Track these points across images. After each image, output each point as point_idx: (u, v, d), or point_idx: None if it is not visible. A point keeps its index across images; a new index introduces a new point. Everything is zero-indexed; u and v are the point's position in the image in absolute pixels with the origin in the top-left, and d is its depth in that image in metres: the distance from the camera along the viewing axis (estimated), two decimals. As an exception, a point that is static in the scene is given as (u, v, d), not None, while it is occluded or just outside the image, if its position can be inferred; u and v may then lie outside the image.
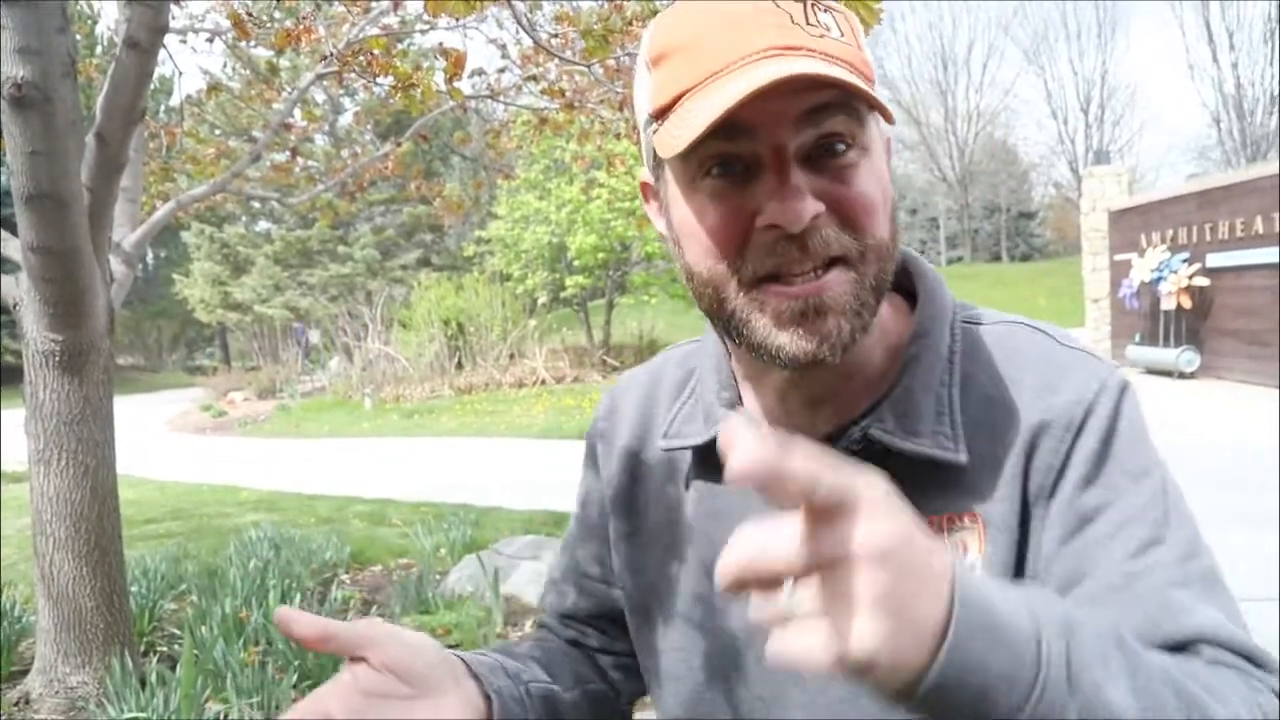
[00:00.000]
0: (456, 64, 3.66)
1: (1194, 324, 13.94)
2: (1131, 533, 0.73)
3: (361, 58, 4.12)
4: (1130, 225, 15.76)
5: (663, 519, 0.92)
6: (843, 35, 0.73)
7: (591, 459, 1.02)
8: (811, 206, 0.70)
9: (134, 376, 31.07)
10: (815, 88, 0.69)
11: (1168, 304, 13.96)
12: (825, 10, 0.73)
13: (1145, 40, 62.71)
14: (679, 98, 0.72)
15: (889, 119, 0.75)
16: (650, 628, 0.93)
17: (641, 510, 0.94)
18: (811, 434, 0.81)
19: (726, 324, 0.77)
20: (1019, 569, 0.76)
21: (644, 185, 0.87)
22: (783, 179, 0.71)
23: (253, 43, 6.55)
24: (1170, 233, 14.41)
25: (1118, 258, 16.04)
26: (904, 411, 0.78)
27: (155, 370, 34.35)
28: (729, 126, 0.68)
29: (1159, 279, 14.18)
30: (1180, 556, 0.72)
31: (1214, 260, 13.43)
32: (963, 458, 0.77)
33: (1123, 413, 0.78)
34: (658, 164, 0.80)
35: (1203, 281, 13.56)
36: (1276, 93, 32.59)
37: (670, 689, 0.92)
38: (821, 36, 0.71)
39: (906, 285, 0.87)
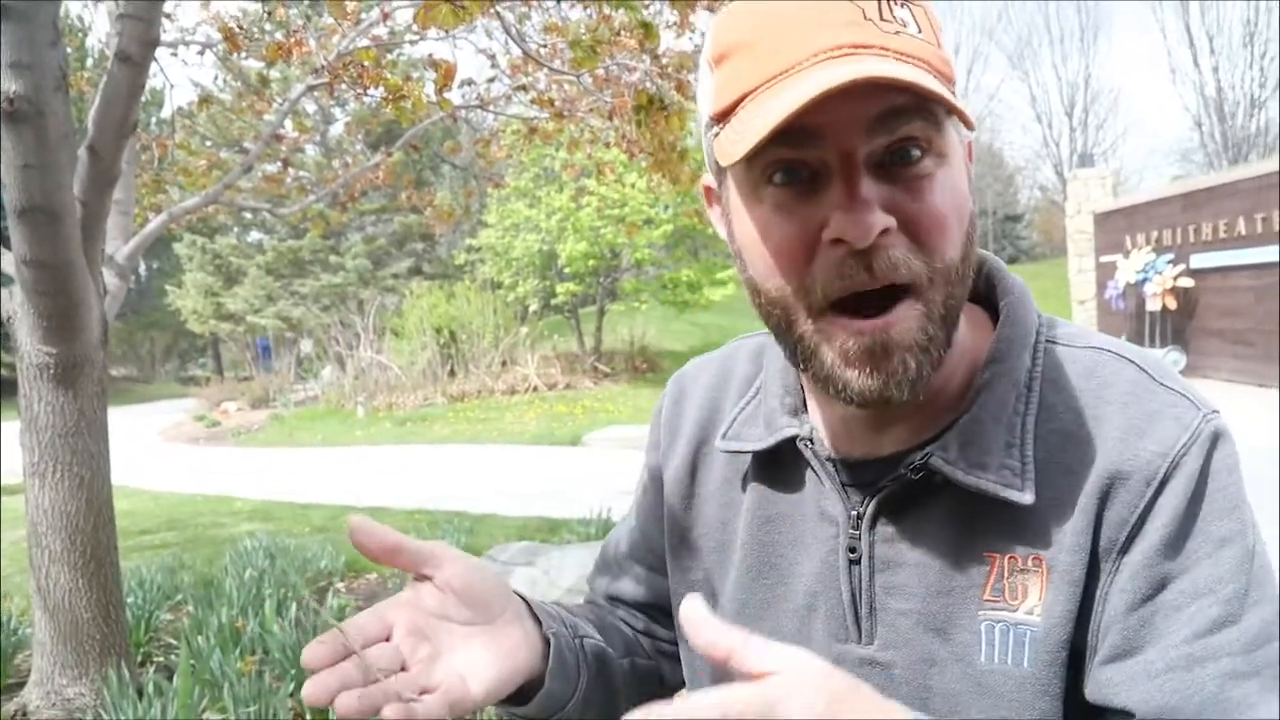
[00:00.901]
0: (447, 75, 3.69)
1: (1179, 324, 14.04)
2: (1202, 608, 0.67)
3: (352, 70, 4.15)
4: (1115, 227, 15.87)
5: (716, 518, 0.90)
6: (920, 32, 0.66)
7: (655, 445, 0.99)
8: (881, 220, 0.65)
9: (127, 387, 30.97)
10: (888, 90, 0.63)
11: (1153, 305, 14.06)
12: (903, 4, 0.67)
13: (1127, 44, 63.13)
14: (740, 100, 0.68)
15: (969, 125, 0.68)
16: None
17: (697, 507, 0.92)
18: (874, 454, 0.79)
19: (794, 349, 0.74)
20: (1079, 622, 0.71)
21: (707, 189, 0.83)
22: (851, 188, 0.65)
23: (243, 55, 6.59)
24: (1155, 234, 14.52)
25: (1103, 259, 16.14)
26: (970, 441, 0.73)
27: (148, 381, 34.27)
28: (795, 131, 0.63)
29: (1144, 280, 14.29)
30: (1251, 641, 0.67)
31: (1198, 261, 13.54)
32: (1028, 498, 0.71)
33: (1213, 470, 0.70)
34: (720, 169, 0.75)
35: (1187, 282, 13.67)
36: (1256, 95, 32.84)
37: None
38: (897, 34, 0.65)
39: (990, 297, 0.81)
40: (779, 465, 0.85)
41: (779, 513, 0.85)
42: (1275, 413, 10.38)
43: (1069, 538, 0.71)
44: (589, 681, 0.87)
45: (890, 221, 0.66)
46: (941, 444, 0.74)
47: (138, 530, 7.61)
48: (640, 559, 1.01)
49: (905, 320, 0.68)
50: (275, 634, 3.89)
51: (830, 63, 0.63)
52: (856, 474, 0.80)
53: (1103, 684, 0.69)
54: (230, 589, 4.70)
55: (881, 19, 0.65)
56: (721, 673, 0.77)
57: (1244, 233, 12.53)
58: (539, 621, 0.82)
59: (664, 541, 0.95)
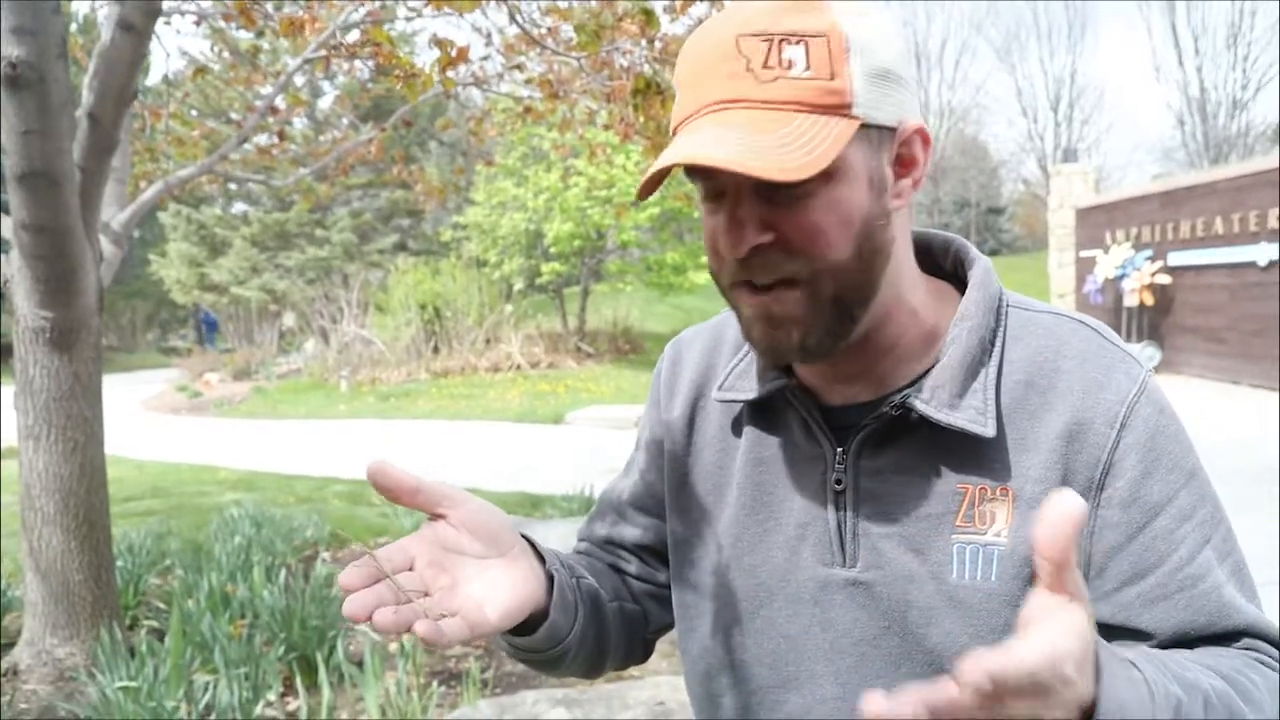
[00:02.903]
0: (460, 55, 3.73)
1: (1155, 320, 14.23)
2: (1189, 532, 0.82)
3: (368, 48, 4.18)
4: (1096, 222, 16.02)
5: (713, 463, 1.00)
6: (809, 68, 0.76)
7: (654, 402, 1.09)
8: (751, 237, 0.79)
9: (108, 356, 30.60)
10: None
11: (1130, 300, 14.23)
12: (798, 41, 0.76)
13: (1114, 42, 63.30)
14: (673, 131, 0.83)
15: (794, 177, 0.74)
16: (690, 564, 1.01)
17: (695, 453, 1.02)
18: (854, 398, 0.90)
19: (731, 311, 0.90)
20: None
21: None
22: (730, 212, 0.80)
23: (257, 29, 6.59)
24: (1134, 231, 14.68)
25: (1083, 254, 16.30)
26: (941, 385, 0.84)
27: (130, 351, 34.03)
28: (698, 166, 0.78)
29: (1123, 275, 14.46)
30: (1224, 554, 0.83)
31: (1175, 259, 13.71)
32: (990, 432, 0.82)
33: (1163, 413, 0.85)
34: None
35: (1164, 279, 13.84)
36: (1239, 97, 33.09)
37: (701, 624, 0.99)
38: (775, 79, 0.76)
39: (957, 273, 0.94)
40: (770, 412, 0.96)
41: (771, 454, 0.95)
42: (1247, 409, 10.56)
43: (1034, 470, 0.83)
44: (584, 618, 0.96)
45: (765, 237, 0.79)
46: (917, 388, 0.86)
47: (123, 497, 7.63)
48: (641, 505, 1.09)
49: (785, 301, 0.81)
50: (265, 599, 3.95)
51: (709, 116, 0.78)
52: (839, 418, 0.91)
53: (1122, 606, 0.82)
54: (219, 554, 4.76)
55: (765, 66, 0.76)
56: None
57: (1221, 232, 12.71)
58: (542, 560, 0.90)
59: (664, 488, 1.05)
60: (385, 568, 0.76)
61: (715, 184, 0.81)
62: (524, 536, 0.89)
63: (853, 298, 0.83)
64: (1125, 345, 0.88)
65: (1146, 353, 13.93)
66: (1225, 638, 0.81)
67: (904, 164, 0.84)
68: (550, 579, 0.90)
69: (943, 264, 0.95)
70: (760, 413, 0.97)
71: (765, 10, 0.77)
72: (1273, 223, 11.71)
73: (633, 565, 1.10)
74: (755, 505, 0.95)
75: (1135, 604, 0.81)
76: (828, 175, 0.77)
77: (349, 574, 0.74)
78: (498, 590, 0.81)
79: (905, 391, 0.86)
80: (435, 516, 0.82)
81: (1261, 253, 11.93)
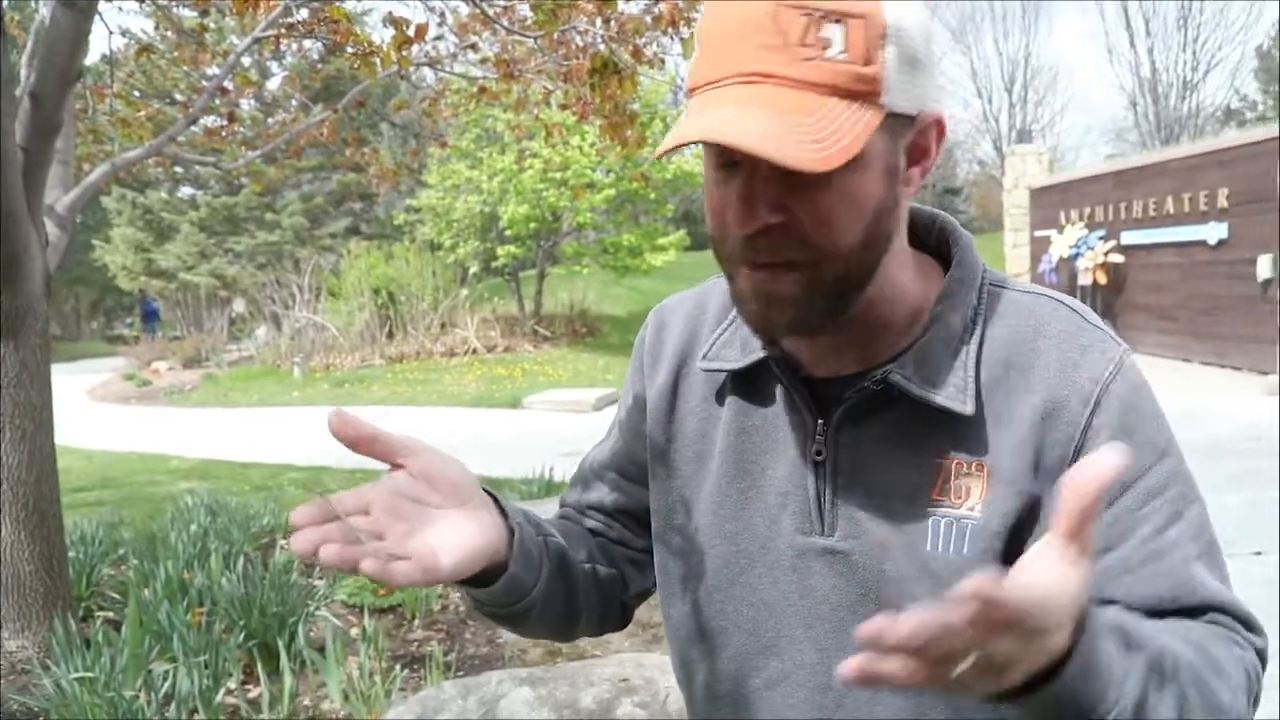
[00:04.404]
0: (419, 33, 3.68)
1: (1109, 299, 14.46)
2: (1157, 508, 0.82)
3: (324, 25, 4.11)
4: (1050, 203, 16.24)
5: (696, 431, 1.00)
6: (844, 51, 0.74)
7: (638, 368, 1.08)
8: (764, 216, 0.78)
9: (52, 345, 30.12)
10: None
11: (1085, 279, 14.45)
12: (838, 20, 0.74)
13: (1067, 23, 64.07)
14: (691, 91, 0.80)
15: (820, 168, 0.73)
16: (672, 530, 1.01)
17: (678, 421, 1.02)
18: (837, 373, 0.91)
19: (725, 278, 0.88)
20: (1020, 521, 0.84)
21: None
22: (744, 187, 0.79)
23: (180, 3, 6.43)
24: (1088, 211, 14.91)
25: (1038, 234, 16.52)
26: (923, 362, 0.86)
27: (73, 339, 33.34)
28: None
29: (1077, 255, 14.68)
30: (1196, 532, 0.83)
31: (1128, 238, 13.94)
32: (969, 409, 0.84)
33: (1138, 392, 0.85)
34: None
35: (1117, 258, 14.07)
36: (1189, 78, 33.70)
37: (682, 589, 1.00)
38: (809, 60, 0.74)
39: (941, 250, 0.94)
40: (754, 382, 0.96)
41: (753, 424, 0.96)
42: (1196, 386, 10.79)
43: (1010, 446, 0.84)
44: (550, 575, 0.95)
45: (776, 218, 0.78)
46: (900, 363, 0.86)
47: (72, 488, 7.47)
48: (622, 470, 1.09)
49: (783, 281, 0.81)
50: (223, 586, 3.90)
51: (736, 87, 0.75)
52: (822, 390, 0.91)
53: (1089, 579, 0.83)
54: (175, 543, 4.68)
55: (801, 43, 0.74)
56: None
57: (1172, 211, 12.94)
58: (505, 515, 0.90)
59: (645, 454, 1.05)
60: (338, 509, 0.75)
61: (730, 154, 0.79)
62: (487, 491, 0.88)
63: (852, 282, 0.83)
64: (1103, 325, 0.89)
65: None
66: (1193, 612, 0.82)
67: (917, 152, 0.84)
68: (512, 533, 0.89)
69: (927, 240, 0.96)
70: (744, 382, 0.97)
71: None
72: (1222, 202, 11.94)
73: (613, 530, 1.10)
74: (737, 473, 0.96)
75: (1102, 577, 0.82)
76: (847, 163, 0.76)
77: (300, 511, 0.74)
78: (454, 537, 0.80)
79: (887, 367, 0.86)
80: (395, 466, 0.81)
81: (1211, 232, 12.16)
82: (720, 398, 0.99)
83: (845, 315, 0.85)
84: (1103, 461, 0.61)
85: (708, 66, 0.79)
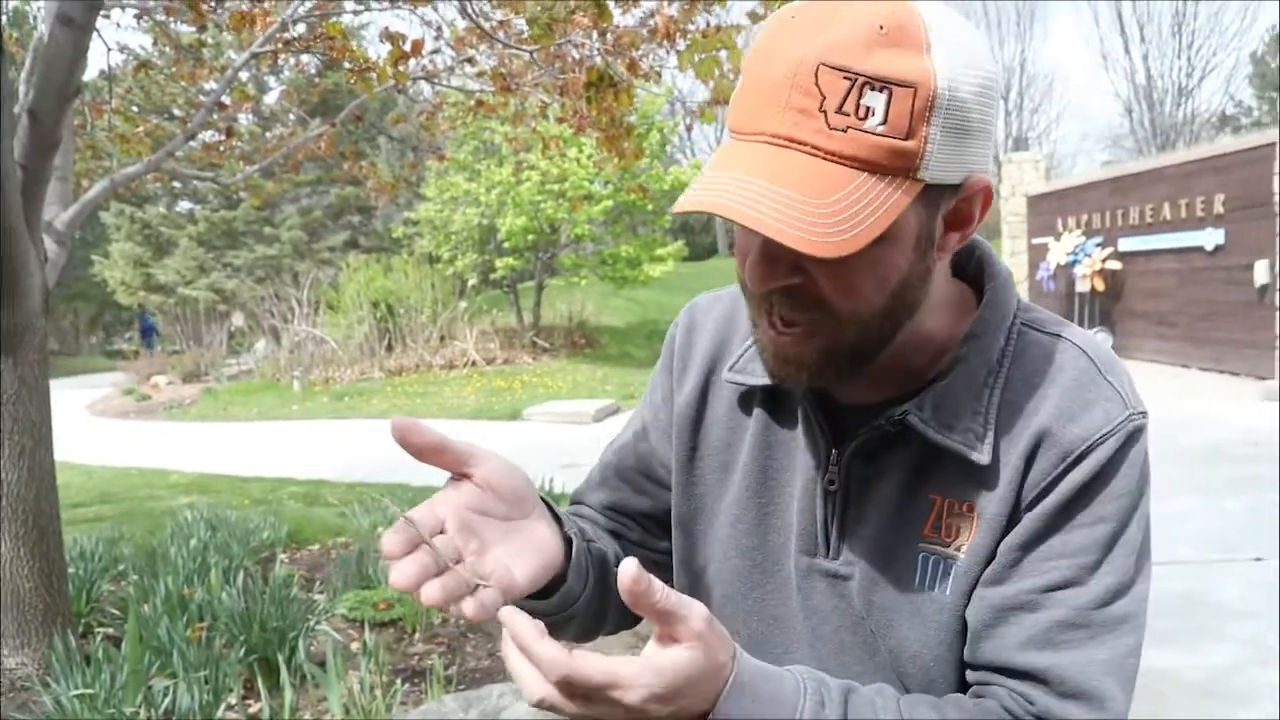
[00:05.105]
0: (415, 48, 3.70)
1: (1106, 306, 14.49)
2: (1059, 567, 0.81)
3: (321, 42, 4.13)
4: (1047, 210, 16.28)
5: (722, 440, 1.00)
6: (884, 123, 0.70)
7: (667, 368, 1.07)
8: (782, 277, 0.77)
9: (50, 361, 30.09)
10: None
11: (1082, 286, 14.48)
12: (882, 89, 0.70)
13: (1063, 31, 64.34)
14: (728, 131, 0.79)
15: (838, 254, 0.70)
16: (690, 540, 1.02)
17: (705, 429, 1.02)
18: (860, 402, 0.90)
19: (750, 323, 0.88)
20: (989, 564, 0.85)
21: None
22: (765, 244, 0.76)
23: (177, 20, 6.45)
24: (1085, 217, 14.94)
25: (1035, 241, 16.56)
26: (942, 404, 0.84)
27: (72, 354, 33.31)
28: None
29: (1074, 262, 14.71)
30: (1089, 603, 0.80)
31: (1125, 244, 13.97)
32: (985, 459, 0.83)
33: (1119, 461, 0.82)
34: None
35: (1115, 265, 14.10)
36: (1184, 85, 33.81)
37: (698, 600, 1.00)
38: (845, 130, 0.70)
39: (978, 278, 0.91)
40: (781, 396, 0.96)
41: (778, 440, 0.96)
42: (1195, 392, 10.80)
43: (1000, 490, 0.84)
44: (594, 583, 0.95)
45: (795, 279, 0.77)
46: (918, 403, 0.85)
47: (71, 504, 7.47)
48: (648, 472, 1.08)
49: (798, 345, 0.81)
50: (223, 601, 3.89)
51: (764, 147, 0.73)
52: (841, 417, 0.92)
53: (973, 598, 0.85)
54: (175, 558, 4.67)
55: (839, 110, 0.70)
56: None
57: (1169, 218, 12.97)
58: (559, 523, 0.89)
59: (671, 458, 1.04)
60: (423, 533, 0.74)
61: None
62: (541, 498, 0.88)
63: (871, 345, 0.83)
64: (1122, 384, 0.85)
65: (1099, 338, 14.18)
66: (1019, 675, 0.81)
67: (958, 219, 0.81)
68: (568, 542, 0.89)
69: (966, 267, 0.93)
70: (772, 395, 0.97)
71: (859, 38, 0.70)
72: (1219, 208, 11.97)
73: (635, 532, 1.10)
74: (759, 488, 0.97)
75: (977, 602, 0.84)
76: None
77: (390, 540, 0.72)
78: (524, 552, 0.81)
79: (905, 406, 0.85)
80: (458, 476, 0.81)
81: (1208, 238, 12.19)
82: (747, 407, 0.99)
83: (862, 372, 0.85)
84: (626, 572, 0.67)
85: (744, 113, 0.75)
